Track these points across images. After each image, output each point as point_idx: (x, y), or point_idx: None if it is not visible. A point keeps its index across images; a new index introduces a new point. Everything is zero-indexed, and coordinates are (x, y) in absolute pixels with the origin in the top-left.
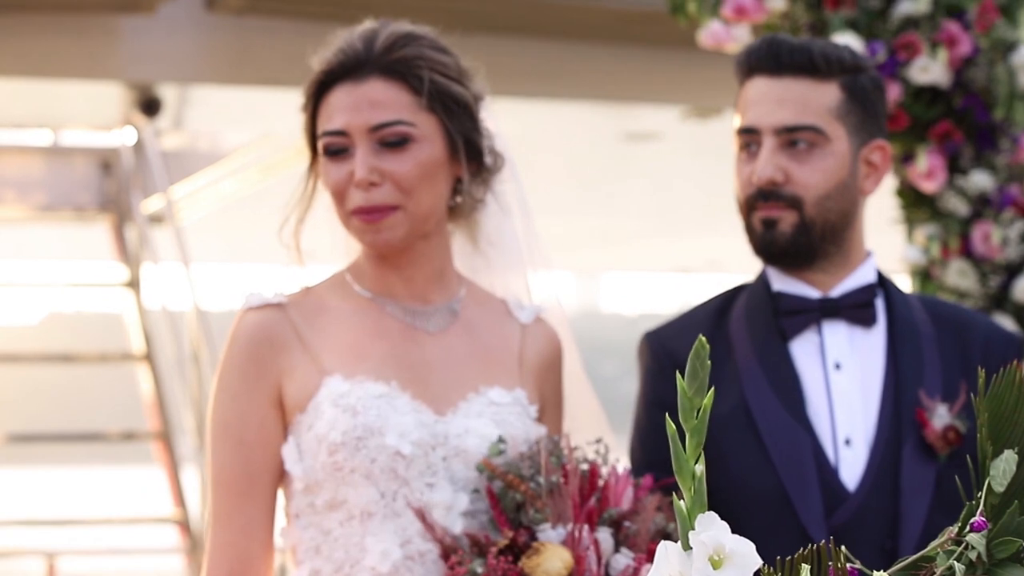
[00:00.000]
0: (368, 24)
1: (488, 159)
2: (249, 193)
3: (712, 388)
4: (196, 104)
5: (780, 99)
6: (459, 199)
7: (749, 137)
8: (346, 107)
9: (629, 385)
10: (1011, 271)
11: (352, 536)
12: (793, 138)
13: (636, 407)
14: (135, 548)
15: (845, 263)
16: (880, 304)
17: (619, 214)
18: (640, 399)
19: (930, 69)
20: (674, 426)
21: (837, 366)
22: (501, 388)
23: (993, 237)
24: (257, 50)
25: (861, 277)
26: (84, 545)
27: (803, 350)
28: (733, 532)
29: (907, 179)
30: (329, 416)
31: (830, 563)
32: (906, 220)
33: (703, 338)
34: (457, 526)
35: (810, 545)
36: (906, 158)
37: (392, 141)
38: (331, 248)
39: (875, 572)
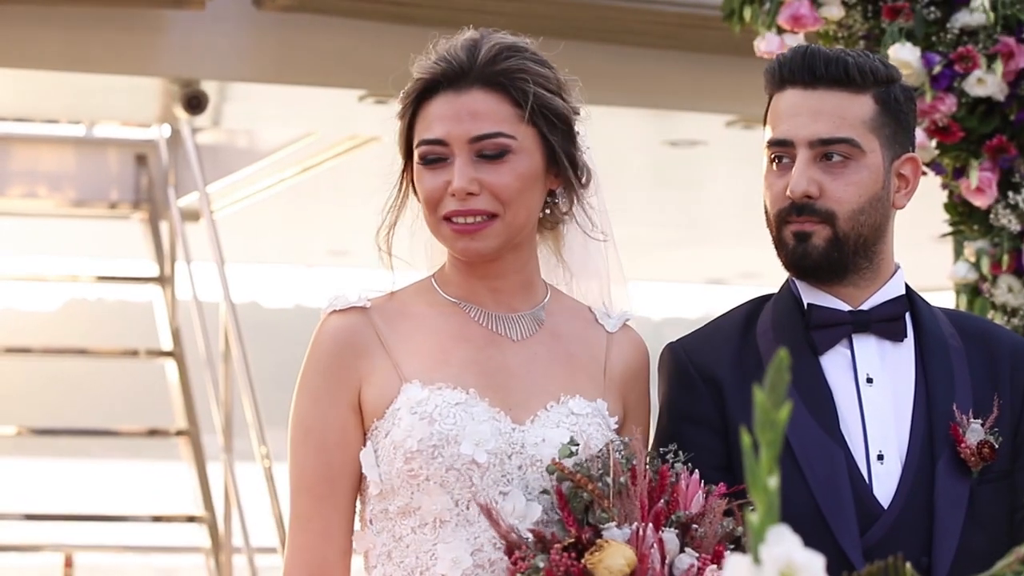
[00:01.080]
0: (469, 34)
1: (582, 173)
2: (285, 191)
3: (790, 403)
4: (235, 100)
5: (815, 111)
6: (548, 211)
7: (782, 150)
8: (447, 117)
9: (652, 390)
10: None
11: (424, 543)
12: (828, 151)
13: (659, 417)
14: (156, 546)
15: (876, 277)
16: (908, 319)
17: (654, 223)
18: (663, 410)
19: (986, 82)
20: (748, 438)
21: (869, 380)
22: (582, 398)
23: None
24: (303, 48)
25: (891, 290)
26: (104, 541)
27: (834, 364)
28: None
29: (958, 193)
30: (406, 424)
31: None
32: (955, 235)
33: (784, 351)
34: (528, 536)
35: (885, 562)
36: (958, 172)
37: (491, 153)
38: (410, 255)
39: None
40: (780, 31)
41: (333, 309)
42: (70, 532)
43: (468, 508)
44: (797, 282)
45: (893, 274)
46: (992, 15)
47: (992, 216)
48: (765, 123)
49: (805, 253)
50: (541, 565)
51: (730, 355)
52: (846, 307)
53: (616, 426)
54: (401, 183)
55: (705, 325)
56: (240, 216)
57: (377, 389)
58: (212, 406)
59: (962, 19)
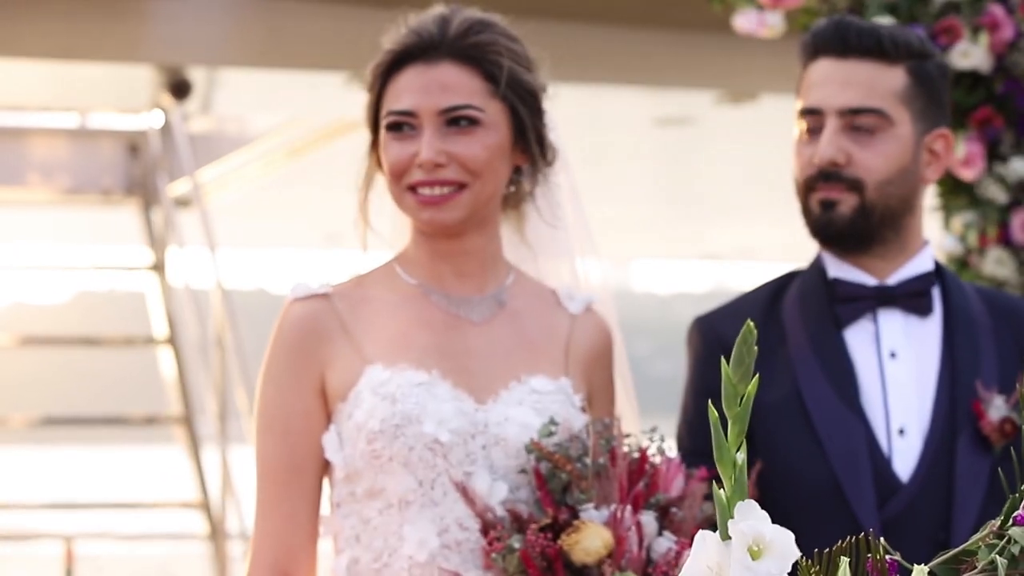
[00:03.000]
0: (440, 8)
1: (547, 151)
2: (276, 177)
3: (757, 375)
4: (224, 87)
5: (846, 81)
6: (512, 188)
7: (812, 118)
8: (416, 88)
9: (661, 365)
10: None
11: (390, 525)
12: (857, 121)
13: (684, 393)
14: (154, 532)
15: (902, 250)
16: (936, 293)
17: (648, 200)
18: (688, 385)
19: (971, 54)
20: (716, 413)
21: (892, 355)
22: (545, 377)
23: None
24: (287, 33)
25: (918, 265)
26: (102, 528)
27: (858, 338)
28: (783, 522)
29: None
30: (368, 404)
31: (869, 555)
32: (944, 208)
33: (751, 323)
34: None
35: (849, 537)
36: None
37: (460, 125)
38: (392, 233)
39: (915, 566)
40: (761, 8)
41: (295, 297)
42: (70, 520)
43: (433, 488)
44: (825, 256)
45: (921, 249)
46: None
47: (979, 189)
48: (798, 94)
49: (830, 221)
50: (517, 545)
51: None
52: (872, 281)
53: (581, 404)
54: (370, 158)
55: (733, 300)
56: (233, 202)
57: (340, 373)
58: (206, 392)
59: None
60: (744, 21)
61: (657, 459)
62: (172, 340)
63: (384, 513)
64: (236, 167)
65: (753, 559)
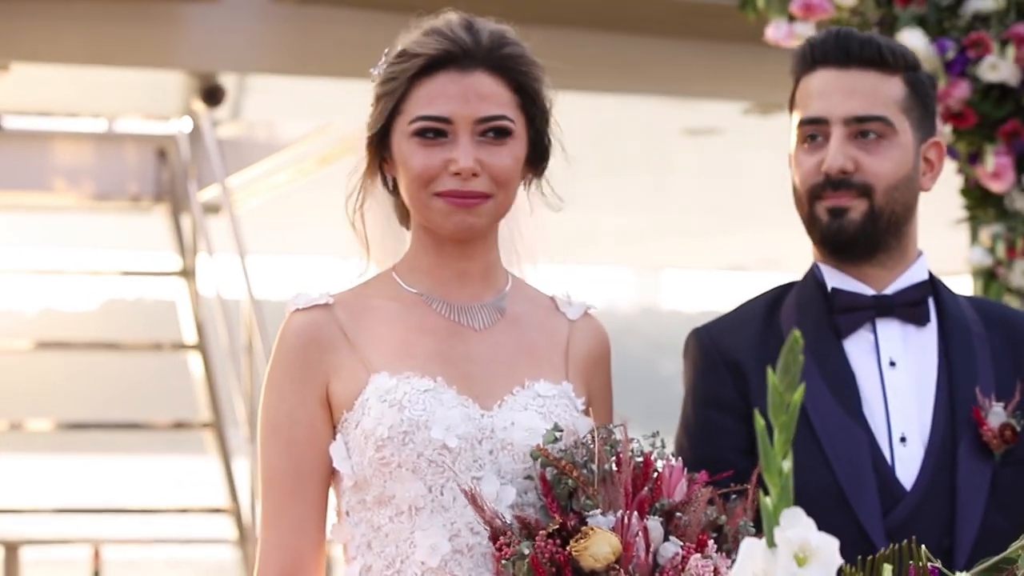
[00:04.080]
0: (455, 15)
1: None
2: (305, 184)
3: (802, 385)
4: (254, 93)
5: (850, 90)
6: None
7: (816, 127)
8: (452, 95)
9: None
10: None
11: (402, 531)
12: (863, 128)
13: (683, 403)
14: (182, 538)
15: (901, 258)
16: (931, 303)
17: (676, 210)
18: (688, 395)
19: (999, 67)
20: (762, 422)
21: (892, 364)
22: (547, 381)
23: None
24: (319, 40)
25: (914, 275)
26: (131, 534)
27: (857, 348)
28: None
29: (974, 178)
30: (376, 412)
31: (911, 562)
32: (971, 220)
33: (797, 333)
34: (505, 519)
35: (893, 544)
36: (973, 157)
37: (494, 135)
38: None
39: (957, 573)
40: (792, 19)
41: (296, 308)
42: (98, 525)
43: (442, 494)
44: (821, 266)
45: (916, 258)
46: (1004, 0)
47: (1007, 201)
48: (792, 105)
49: (841, 228)
50: (526, 551)
51: (754, 339)
52: (870, 291)
53: (583, 407)
54: (374, 158)
55: (730, 311)
56: (262, 208)
57: (345, 382)
58: (236, 398)
59: (975, 5)
60: (774, 31)
61: (660, 464)
62: (201, 346)
63: (395, 520)
64: (266, 173)
65: (799, 566)
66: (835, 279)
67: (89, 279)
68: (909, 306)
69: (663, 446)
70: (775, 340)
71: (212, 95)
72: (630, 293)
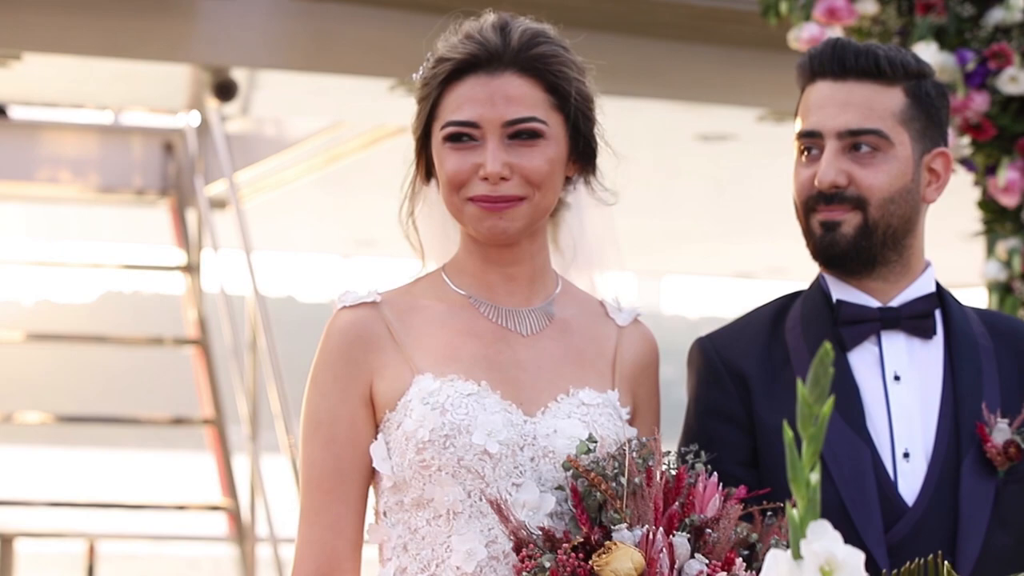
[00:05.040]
0: (493, 17)
1: (597, 159)
2: (313, 181)
3: (832, 396)
4: (264, 89)
5: (844, 103)
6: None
7: (811, 141)
8: (480, 99)
9: (685, 391)
10: None
11: (438, 535)
12: (856, 142)
13: (686, 413)
14: (180, 534)
15: (905, 272)
16: (938, 315)
17: (685, 215)
18: (691, 405)
19: (1020, 80)
20: (790, 433)
21: (896, 378)
22: (592, 390)
23: None
24: (331, 37)
25: (921, 287)
26: (127, 529)
27: (862, 361)
28: None
29: (990, 191)
30: (418, 414)
31: None
32: (988, 233)
33: (828, 345)
34: (543, 526)
35: (917, 559)
36: (990, 169)
37: (524, 137)
38: (432, 242)
39: None
40: (816, 23)
41: (343, 305)
42: (94, 520)
43: (481, 500)
44: (827, 277)
45: (923, 271)
46: None
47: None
48: (796, 115)
49: (833, 242)
50: (547, 565)
51: (758, 350)
52: (875, 303)
53: (628, 417)
54: (419, 167)
55: (734, 320)
56: (268, 205)
57: (389, 382)
58: (238, 395)
59: (996, 16)
60: (805, 34)
61: (693, 479)
62: (203, 342)
63: (432, 523)
64: (273, 170)
65: None
66: (840, 291)
67: (90, 272)
68: (915, 319)
69: (699, 457)
70: (779, 351)
71: (224, 90)
72: (631, 298)
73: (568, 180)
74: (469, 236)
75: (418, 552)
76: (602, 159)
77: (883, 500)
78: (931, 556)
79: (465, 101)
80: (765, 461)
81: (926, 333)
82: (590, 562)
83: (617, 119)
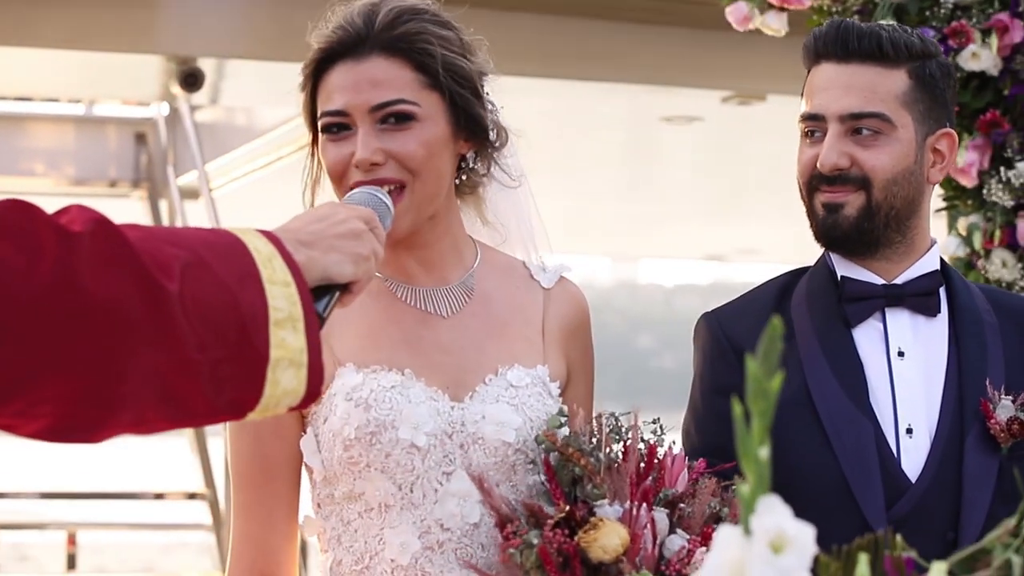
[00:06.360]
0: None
1: (492, 135)
2: (283, 169)
3: (781, 371)
4: (233, 78)
5: (847, 86)
6: (464, 177)
7: (814, 123)
8: (346, 86)
9: (667, 359)
10: None
11: (371, 528)
12: (858, 125)
13: (692, 390)
14: (158, 523)
15: (909, 251)
16: (942, 293)
17: (654, 198)
18: (697, 382)
19: (981, 56)
20: (740, 408)
21: (900, 354)
22: (521, 367)
23: None
24: (299, 26)
25: (926, 265)
26: (107, 518)
27: (866, 337)
28: None
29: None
30: (342, 411)
31: (887, 552)
32: (949, 210)
33: (777, 319)
34: (474, 515)
35: (867, 534)
36: None
37: (394, 121)
38: None
39: (934, 563)
40: (771, 6)
41: None
42: (74, 510)
43: (412, 491)
44: (832, 255)
45: (928, 249)
46: None
47: (985, 191)
48: (802, 96)
49: (835, 224)
50: (535, 541)
51: (763, 327)
52: (880, 280)
53: (559, 391)
54: (313, 158)
55: (740, 296)
56: (239, 194)
57: None
58: None
59: None
60: (733, 13)
61: (661, 453)
62: None
63: (364, 516)
64: (244, 158)
65: (775, 554)
66: (845, 268)
67: None
68: (919, 296)
69: (662, 432)
70: (785, 327)
71: (191, 79)
72: (606, 269)
73: (463, 159)
74: None
75: (351, 544)
76: (578, 150)
77: (885, 476)
78: (881, 532)
79: (334, 90)
80: (771, 437)
81: (930, 310)
82: (576, 538)
83: (584, 103)
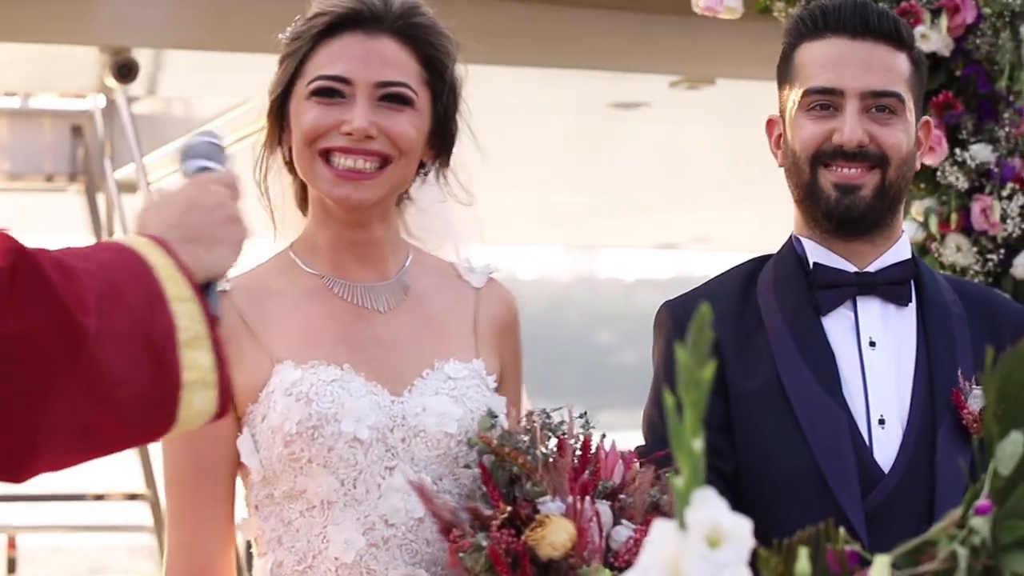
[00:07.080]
0: None
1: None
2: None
3: (714, 362)
4: (170, 69)
5: (867, 63)
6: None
7: (827, 97)
8: (355, 56)
9: (627, 354)
10: (1011, 247)
11: (314, 526)
12: (880, 103)
13: (654, 378)
14: (99, 524)
15: (890, 236)
16: (912, 283)
17: (605, 187)
18: (659, 370)
19: (931, 37)
20: (672, 399)
21: (872, 344)
22: (457, 361)
23: (993, 212)
24: (235, 15)
25: (899, 253)
26: (47, 521)
27: (837, 326)
28: (765, 511)
29: None
30: (282, 406)
31: (830, 545)
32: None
33: (706, 306)
34: (418, 510)
35: (809, 528)
36: None
37: (394, 101)
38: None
39: (876, 557)
40: None
41: None
42: (13, 513)
43: (355, 487)
44: (804, 240)
45: (900, 237)
46: None
47: (940, 174)
48: (784, 71)
49: (852, 205)
50: (484, 543)
51: (729, 315)
52: (852, 268)
53: (495, 384)
54: (276, 120)
55: (702, 285)
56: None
57: (248, 373)
58: None
59: None
60: (705, 1)
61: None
62: None
63: (306, 515)
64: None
65: (712, 547)
66: (817, 254)
67: None
68: (891, 285)
69: (591, 426)
70: (751, 315)
71: (125, 70)
72: (565, 268)
73: (422, 166)
74: (320, 208)
75: (293, 545)
76: (526, 136)
77: (859, 466)
78: (824, 524)
79: (338, 57)
80: (738, 426)
81: (902, 300)
82: (524, 537)
83: (529, 89)
